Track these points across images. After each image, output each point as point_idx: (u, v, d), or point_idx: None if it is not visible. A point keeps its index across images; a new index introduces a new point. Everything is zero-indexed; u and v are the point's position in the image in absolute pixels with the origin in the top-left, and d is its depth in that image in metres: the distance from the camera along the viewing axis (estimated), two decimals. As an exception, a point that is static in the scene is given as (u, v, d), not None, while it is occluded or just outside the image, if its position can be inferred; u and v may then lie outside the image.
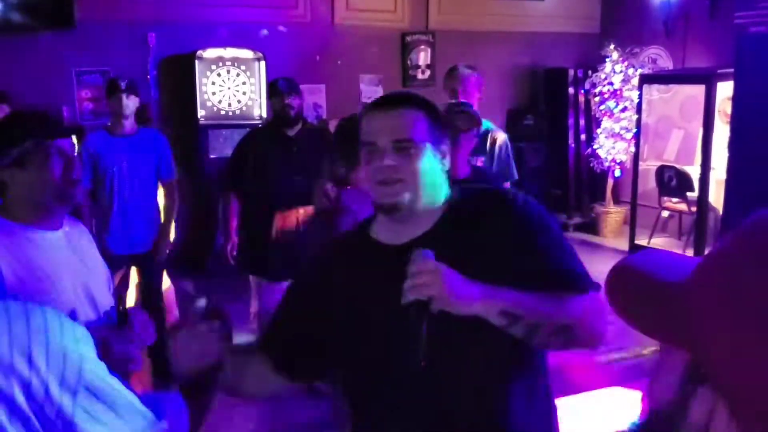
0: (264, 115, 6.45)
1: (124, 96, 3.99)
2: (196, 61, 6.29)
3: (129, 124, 4.08)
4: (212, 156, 6.25)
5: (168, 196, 4.30)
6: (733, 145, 4.64)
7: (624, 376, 4.41)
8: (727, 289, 0.67)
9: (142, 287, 4.28)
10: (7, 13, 5.74)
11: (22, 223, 1.79)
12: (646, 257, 0.83)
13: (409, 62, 7.83)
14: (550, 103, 8.41)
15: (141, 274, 4.24)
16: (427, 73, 7.87)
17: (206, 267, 6.12)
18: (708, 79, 6.53)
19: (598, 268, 5.64)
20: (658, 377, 0.77)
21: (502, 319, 1.38)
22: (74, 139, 1.93)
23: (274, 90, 4.02)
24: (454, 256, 1.39)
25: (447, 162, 1.57)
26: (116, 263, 4.06)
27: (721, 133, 6.31)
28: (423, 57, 7.87)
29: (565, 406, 3.61)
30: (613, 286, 0.81)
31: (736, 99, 4.61)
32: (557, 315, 1.42)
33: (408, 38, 7.79)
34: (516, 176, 3.86)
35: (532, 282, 1.42)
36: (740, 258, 0.69)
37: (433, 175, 1.52)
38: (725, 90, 6.19)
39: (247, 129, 6.22)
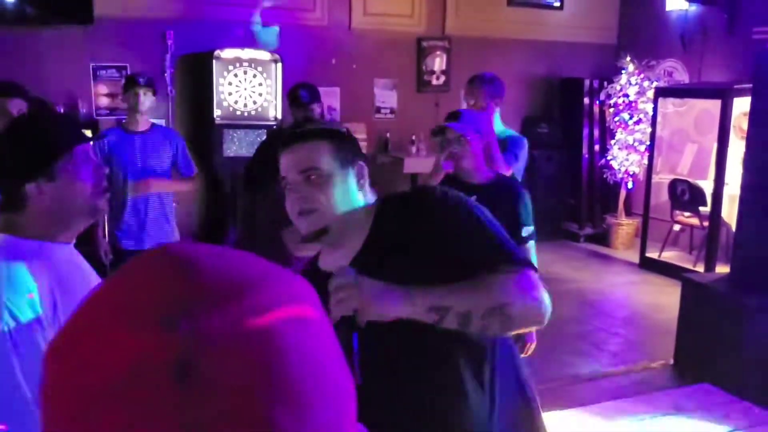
0: (279, 116, 6.48)
1: (141, 92, 4.01)
2: (214, 61, 6.32)
3: (144, 120, 4.10)
4: (226, 155, 6.27)
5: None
6: (748, 161, 4.62)
7: (630, 390, 4.39)
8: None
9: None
10: (26, 6, 5.79)
11: (43, 240, 1.58)
12: None
13: (424, 67, 7.84)
14: (565, 113, 8.41)
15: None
16: (442, 78, 7.88)
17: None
18: (724, 94, 6.51)
19: (609, 280, 5.71)
20: None
21: (432, 314, 1.42)
22: (89, 134, 1.87)
23: (295, 100, 4.00)
24: (390, 264, 1.48)
25: (364, 181, 1.64)
26: (127, 258, 4.08)
27: (736, 148, 6.29)
28: (438, 62, 7.88)
29: (572, 419, 3.60)
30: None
31: (753, 115, 4.58)
32: (486, 298, 1.44)
33: (424, 43, 7.80)
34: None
35: (460, 268, 1.47)
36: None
37: (346, 196, 1.59)
38: (741, 105, 6.17)
39: (262, 129, 6.27)
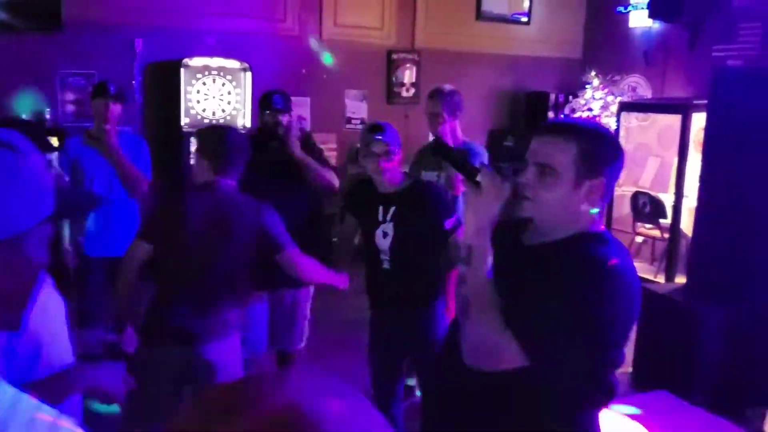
0: (248, 125, 6.50)
1: (111, 101, 4.01)
2: (182, 69, 6.32)
3: (110, 129, 4.10)
4: (194, 163, 6.27)
5: None
6: (704, 174, 4.76)
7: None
8: None
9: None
10: (-6, 13, 5.76)
11: None
12: None
13: (394, 79, 7.92)
14: (531, 126, 8.51)
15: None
16: (412, 91, 7.97)
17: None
18: (684, 109, 6.68)
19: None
20: None
21: (464, 249, 1.61)
22: (56, 141, 1.85)
23: (267, 104, 4.03)
24: (534, 270, 1.58)
25: (595, 198, 1.63)
26: (92, 266, 4.07)
27: (696, 162, 6.45)
28: (408, 75, 7.97)
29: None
30: None
31: (708, 130, 4.73)
32: (483, 313, 1.56)
33: (394, 56, 7.89)
34: None
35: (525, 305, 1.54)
36: None
37: (565, 205, 1.62)
38: (701, 120, 6.33)
39: (230, 138, 6.26)
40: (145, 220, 3.12)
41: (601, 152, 1.63)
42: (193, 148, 2.98)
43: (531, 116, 8.55)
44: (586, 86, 7.80)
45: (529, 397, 1.57)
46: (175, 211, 2.97)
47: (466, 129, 4.19)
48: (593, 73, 7.79)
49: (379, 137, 3.17)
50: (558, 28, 8.66)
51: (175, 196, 3.13)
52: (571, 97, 8.09)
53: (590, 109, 7.75)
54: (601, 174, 1.61)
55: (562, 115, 8.27)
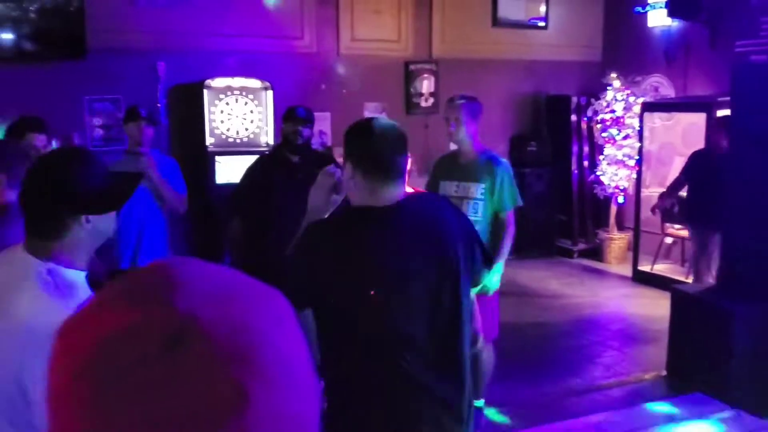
0: (271, 142, 6.56)
1: (144, 124, 4.15)
2: (205, 90, 6.41)
3: (144, 150, 4.22)
4: (219, 182, 6.35)
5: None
6: (730, 172, 4.71)
7: (623, 402, 4.44)
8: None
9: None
10: (21, 42, 5.90)
11: (76, 269, 1.67)
12: None
13: (412, 90, 7.95)
14: (553, 130, 8.51)
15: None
16: (431, 100, 8.00)
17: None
18: (708, 107, 6.61)
19: (603, 294, 5.79)
20: None
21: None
22: None
23: (290, 114, 4.12)
24: None
25: (352, 182, 2.12)
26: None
27: (722, 159, 6.38)
28: (426, 85, 8.00)
29: (571, 430, 3.65)
30: None
31: (733, 126, 4.69)
32: None
33: (411, 67, 7.93)
34: (520, 202, 3.95)
35: None
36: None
37: (350, 188, 2.17)
38: (726, 117, 6.28)
39: (255, 155, 6.34)
40: None
41: (347, 148, 2.14)
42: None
43: (553, 120, 8.53)
44: (608, 88, 7.76)
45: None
46: None
47: (487, 136, 4.20)
48: (614, 75, 7.75)
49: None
50: (576, 31, 8.64)
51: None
52: (592, 100, 8.06)
53: (613, 111, 7.71)
54: (347, 162, 2.12)
55: (585, 118, 8.25)
